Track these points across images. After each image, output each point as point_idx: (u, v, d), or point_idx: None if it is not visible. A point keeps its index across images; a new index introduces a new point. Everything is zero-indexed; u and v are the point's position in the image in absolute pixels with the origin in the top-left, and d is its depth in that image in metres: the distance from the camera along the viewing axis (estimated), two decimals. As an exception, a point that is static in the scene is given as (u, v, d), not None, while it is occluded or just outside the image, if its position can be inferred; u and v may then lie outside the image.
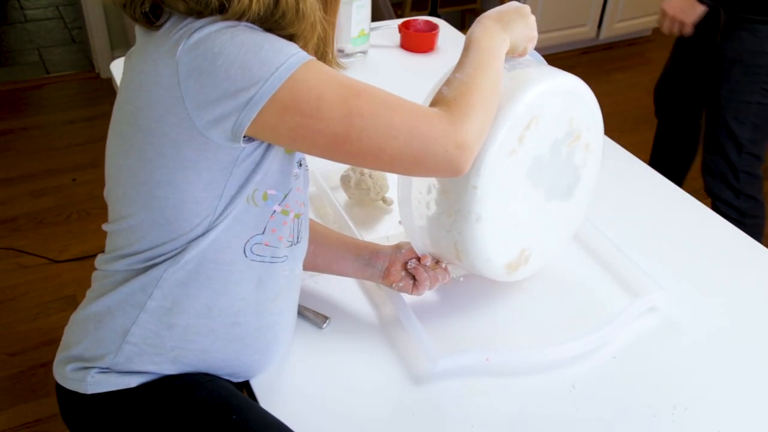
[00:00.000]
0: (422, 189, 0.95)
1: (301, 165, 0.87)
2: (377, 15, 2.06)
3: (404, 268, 1.00)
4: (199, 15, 0.73)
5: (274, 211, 0.83)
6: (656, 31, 4.06)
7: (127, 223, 0.82)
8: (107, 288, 0.84)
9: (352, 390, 0.93)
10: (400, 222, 1.04)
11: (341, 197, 1.27)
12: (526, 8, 0.90)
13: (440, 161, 0.77)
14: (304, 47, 0.77)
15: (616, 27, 3.82)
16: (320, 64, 0.75)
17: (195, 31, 0.72)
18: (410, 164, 0.78)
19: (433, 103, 0.81)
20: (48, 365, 0.89)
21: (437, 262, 1.01)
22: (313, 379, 0.94)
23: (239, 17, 0.73)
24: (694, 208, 1.32)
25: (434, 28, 1.88)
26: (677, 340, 1.03)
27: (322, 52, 0.84)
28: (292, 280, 0.91)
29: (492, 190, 0.89)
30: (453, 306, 1.05)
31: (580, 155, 1.01)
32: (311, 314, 1.02)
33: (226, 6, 0.72)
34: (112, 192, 0.84)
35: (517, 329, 1.03)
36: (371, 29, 1.80)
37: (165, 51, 0.73)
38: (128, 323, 0.82)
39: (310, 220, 1.00)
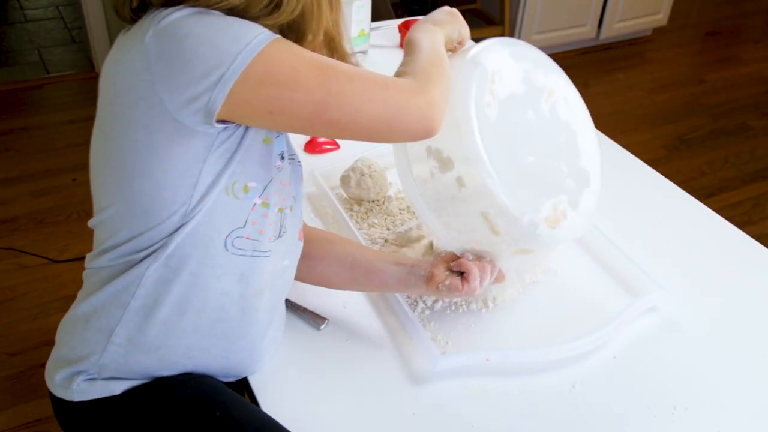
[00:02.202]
0: (424, 175, 0.95)
1: (284, 158, 0.87)
2: (377, 15, 2.06)
3: (448, 268, 0.97)
4: (175, 4, 0.75)
5: (255, 203, 0.83)
6: (656, 31, 4.07)
7: (107, 213, 0.83)
8: (94, 287, 0.85)
9: (351, 390, 0.93)
10: (399, 231, 1.04)
11: (341, 197, 1.27)
12: (454, 10, 1.02)
13: (414, 118, 0.80)
14: (312, 43, 0.80)
15: (616, 27, 3.82)
16: (289, 41, 0.77)
17: (165, 16, 0.73)
18: (387, 126, 0.79)
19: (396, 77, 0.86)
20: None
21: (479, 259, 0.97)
22: (313, 380, 0.94)
23: (215, 5, 0.74)
24: (694, 208, 1.32)
25: (434, 28, 1.87)
26: (677, 340, 1.03)
27: (334, 48, 0.86)
28: (277, 276, 0.90)
29: (486, 140, 0.91)
30: (453, 306, 1.05)
31: (564, 110, 1.02)
32: (309, 315, 1.02)
33: None
34: (93, 185, 0.85)
35: (517, 329, 1.02)
36: (371, 29, 1.80)
37: (137, 39, 0.75)
38: (113, 323, 0.83)
39: (346, 239, 1.03)
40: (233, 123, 0.77)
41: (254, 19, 0.76)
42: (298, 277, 1.01)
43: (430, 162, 0.95)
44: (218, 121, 0.74)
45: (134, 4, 0.79)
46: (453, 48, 1.01)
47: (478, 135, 0.90)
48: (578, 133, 1.04)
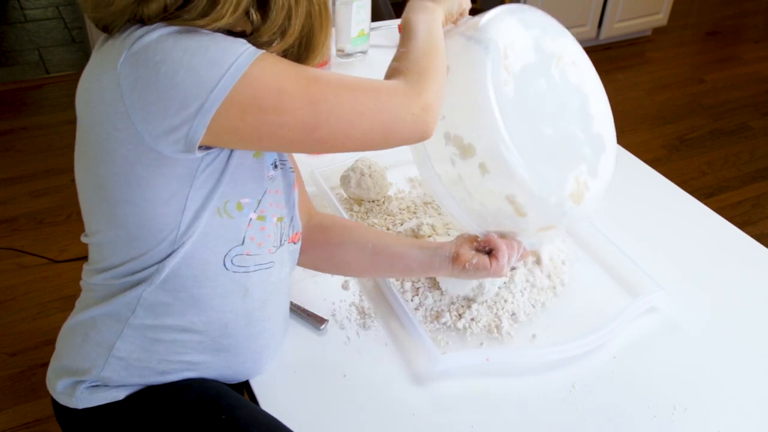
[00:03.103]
0: (446, 167, 0.93)
1: (276, 166, 0.84)
2: (377, 15, 2.06)
3: (473, 248, 0.94)
4: (145, 21, 0.70)
5: (250, 219, 0.80)
6: (656, 31, 4.07)
7: (96, 239, 0.81)
8: (92, 301, 0.83)
9: (351, 390, 0.93)
10: (402, 225, 1.04)
11: (341, 197, 1.27)
12: None
13: (408, 126, 0.77)
14: (279, 49, 0.75)
15: (616, 27, 3.82)
16: (272, 55, 0.72)
17: (136, 40, 0.68)
18: (381, 136, 0.77)
19: (388, 77, 0.82)
20: (48, 365, 0.89)
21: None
22: (313, 380, 0.94)
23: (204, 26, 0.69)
24: (694, 209, 1.32)
25: (434, 28, 1.87)
26: (677, 340, 1.03)
27: (304, 56, 0.79)
28: (280, 284, 0.89)
29: (508, 121, 0.88)
30: (453, 306, 1.05)
31: (573, 74, 1.00)
32: (310, 315, 1.02)
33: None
34: (81, 206, 0.81)
35: (517, 329, 1.02)
36: (371, 29, 1.80)
37: (107, 64, 0.70)
38: (113, 338, 0.81)
39: (364, 225, 1.02)
40: (217, 147, 0.74)
41: (261, 45, 0.72)
42: (318, 267, 1.00)
43: (449, 149, 0.92)
44: (201, 148, 0.71)
45: (113, 29, 0.72)
46: (455, 20, 0.96)
47: (500, 120, 0.87)
48: (589, 96, 1.01)
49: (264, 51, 0.70)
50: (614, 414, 0.91)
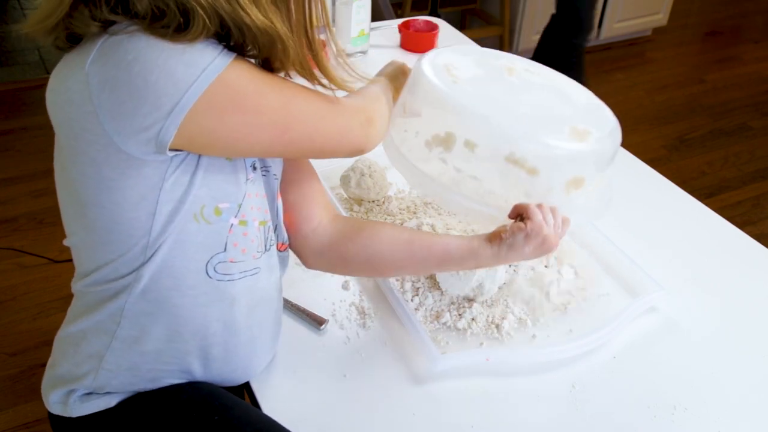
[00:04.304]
0: (440, 169, 0.93)
1: (256, 169, 0.82)
2: (377, 15, 2.06)
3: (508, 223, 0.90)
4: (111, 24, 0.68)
5: (231, 224, 0.78)
6: (656, 31, 4.07)
7: (71, 241, 0.80)
8: (81, 311, 0.82)
9: (351, 390, 0.93)
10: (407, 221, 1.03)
11: (341, 197, 1.27)
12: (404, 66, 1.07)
13: (356, 134, 0.84)
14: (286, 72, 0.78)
15: (616, 27, 3.82)
16: (244, 59, 0.73)
17: (108, 37, 0.66)
18: (336, 142, 0.82)
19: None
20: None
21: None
22: (313, 380, 0.94)
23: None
24: (694, 209, 1.32)
25: (434, 28, 1.88)
26: (677, 340, 1.03)
27: (309, 72, 0.80)
28: (269, 290, 0.88)
29: (473, 97, 0.91)
30: (453, 306, 1.05)
31: (535, 77, 1.02)
32: (309, 315, 1.02)
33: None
34: (60, 208, 0.81)
35: (517, 329, 1.02)
36: (371, 29, 1.80)
37: (74, 65, 0.69)
38: (102, 349, 0.81)
39: (398, 225, 1.00)
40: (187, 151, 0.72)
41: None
42: (347, 264, 0.93)
43: (435, 152, 0.92)
44: (171, 150, 0.69)
45: (60, 43, 0.72)
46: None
47: (457, 90, 0.92)
48: (562, 85, 1.02)
49: (235, 55, 0.70)
50: (614, 414, 0.91)
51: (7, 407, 1.77)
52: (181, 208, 0.74)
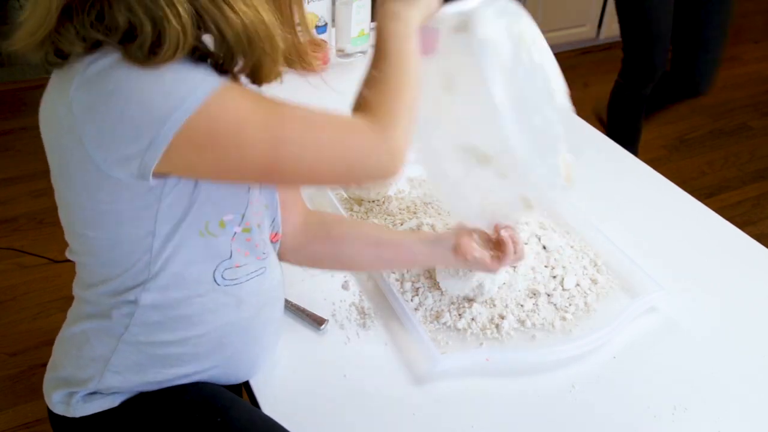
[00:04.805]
0: (457, 168, 0.93)
1: None
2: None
3: (474, 240, 0.95)
4: (97, 47, 0.65)
5: (235, 232, 0.78)
6: (656, 31, 4.06)
7: (74, 255, 0.81)
8: (85, 314, 0.82)
9: (351, 390, 0.93)
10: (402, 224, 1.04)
11: (341, 197, 1.27)
12: None
13: (373, 171, 0.74)
14: (270, 73, 0.71)
15: (616, 27, 3.81)
16: (235, 87, 0.67)
17: (90, 63, 0.64)
18: (344, 179, 0.78)
19: (357, 107, 0.77)
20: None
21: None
22: (313, 380, 0.94)
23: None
24: (694, 209, 1.31)
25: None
26: (677, 340, 1.03)
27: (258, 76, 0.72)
28: (273, 289, 0.88)
29: (519, 132, 0.88)
30: (453, 306, 1.05)
31: (536, 53, 0.99)
32: (309, 315, 1.02)
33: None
34: (61, 222, 0.80)
35: (517, 329, 1.02)
36: (371, 29, 1.80)
37: (61, 89, 0.67)
38: (108, 353, 0.80)
39: (365, 221, 1.01)
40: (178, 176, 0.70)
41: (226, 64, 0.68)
42: (319, 263, 0.99)
43: (462, 154, 0.93)
44: (157, 175, 0.67)
45: (51, 58, 0.69)
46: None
47: (515, 129, 0.86)
48: (550, 73, 1.00)
49: (226, 80, 0.66)
50: (614, 414, 0.91)
51: (7, 407, 1.77)
52: (182, 226, 0.73)
